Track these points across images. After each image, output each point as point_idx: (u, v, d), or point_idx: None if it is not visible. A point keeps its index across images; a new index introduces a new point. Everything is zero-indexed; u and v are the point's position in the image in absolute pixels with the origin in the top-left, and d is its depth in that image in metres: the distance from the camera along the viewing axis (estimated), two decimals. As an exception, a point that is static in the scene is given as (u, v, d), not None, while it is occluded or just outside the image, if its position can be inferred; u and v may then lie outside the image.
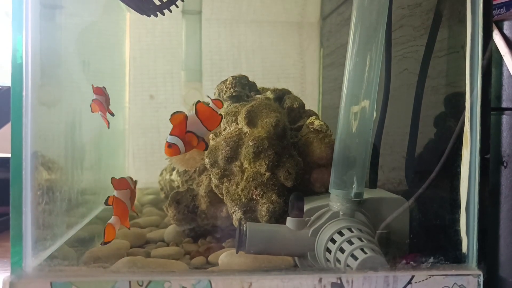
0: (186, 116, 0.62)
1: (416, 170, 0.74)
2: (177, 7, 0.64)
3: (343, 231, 0.58)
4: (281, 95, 0.84)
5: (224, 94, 0.79)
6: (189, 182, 0.86)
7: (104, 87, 0.69)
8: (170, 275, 0.53)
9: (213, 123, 0.64)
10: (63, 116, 0.75)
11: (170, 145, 0.61)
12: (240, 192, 0.69)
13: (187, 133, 0.61)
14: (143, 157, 1.26)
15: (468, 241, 0.60)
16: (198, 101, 0.64)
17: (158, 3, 0.62)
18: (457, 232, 0.62)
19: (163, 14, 0.63)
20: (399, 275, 0.55)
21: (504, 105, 0.61)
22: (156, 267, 0.64)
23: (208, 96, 0.67)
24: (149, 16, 0.62)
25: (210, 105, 0.64)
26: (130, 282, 0.52)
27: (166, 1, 0.62)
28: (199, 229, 0.81)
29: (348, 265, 0.55)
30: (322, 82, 1.32)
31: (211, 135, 0.76)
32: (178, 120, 0.61)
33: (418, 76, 0.73)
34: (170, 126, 0.81)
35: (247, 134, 0.71)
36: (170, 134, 0.61)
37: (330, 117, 1.20)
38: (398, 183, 0.79)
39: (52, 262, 0.58)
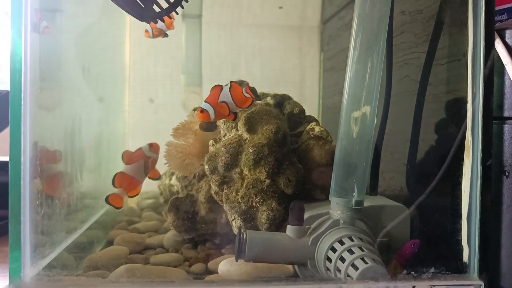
0: (221, 88, 0.68)
1: (417, 177, 0.74)
2: (177, 13, 0.63)
3: (344, 240, 0.58)
4: (281, 100, 0.83)
5: (224, 99, 0.79)
6: (189, 187, 0.86)
7: None
8: (169, 285, 0.52)
9: (242, 102, 0.69)
10: (62, 120, 0.75)
11: (202, 111, 0.68)
12: (240, 199, 0.69)
13: (220, 103, 0.68)
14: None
15: (469, 251, 0.60)
16: (232, 82, 0.70)
17: (157, 10, 0.62)
18: (459, 241, 0.61)
19: (162, 21, 0.62)
20: (400, 285, 0.55)
21: (506, 114, 0.61)
22: (156, 276, 0.63)
23: (247, 86, 0.71)
24: (148, 23, 0.61)
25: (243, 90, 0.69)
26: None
27: (165, 8, 0.61)
28: (198, 236, 0.80)
29: (348, 275, 0.55)
30: (322, 86, 1.32)
31: (210, 141, 0.76)
32: (214, 91, 0.69)
33: (419, 83, 0.73)
34: (170, 128, 0.81)
35: (247, 141, 0.70)
36: (205, 101, 0.68)
37: (330, 121, 1.20)
38: (399, 190, 0.79)
39: (51, 272, 0.57)
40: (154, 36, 0.84)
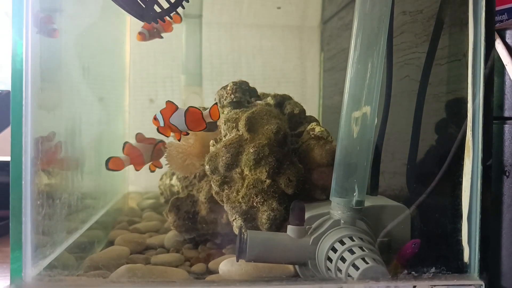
0: (176, 108, 0.69)
1: (418, 177, 0.74)
2: (178, 14, 0.63)
3: (344, 240, 0.58)
4: (282, 100, 0.83)
5: (225, 100, 0.79)
6: (189, 187, 0.86)
7: None
8: (170, 285, 0.52)
9: (195, 126, 0.70)
10: (63, 120, 0.75)
11: (156, 118, 0.70)
12: (240, 199, 0.69)
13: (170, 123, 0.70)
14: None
15: (470, 251, 0.60)
16: (191, 107, 0.70)
17: (158, 10, 0.62)
18: (459, 241, 0.61)
19: (163, 21, 0.62)
20: (401, 285, 0.55)
21: (506, 114, 0.61)
22: (156, 276, 0.64)
23: (216, 103, 0.71)
24: (149, 23, 0.61)
25: (204, 112, 0.70)
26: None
27: (166, 8, 0.62)
28: (198, 236, 0.80)
29: (349, 275, 0.55)
30: (323, 86, 1.32)
31: (211, 141, 0.76)
32: (169, 107, 0.69)
33: (420, 83, 0.73)
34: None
35: (247, 141, 0.70)
36: (160, 111, 0.70)
37: (330, 121, 1.20)
38: (399, 190, 0.79)
39: (52, 272, 0.57)
40: (149, 37, 0.84)
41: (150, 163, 0.80)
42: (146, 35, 0.83)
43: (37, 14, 0.58)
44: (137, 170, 0.78)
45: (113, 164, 0.75)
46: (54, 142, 0.67)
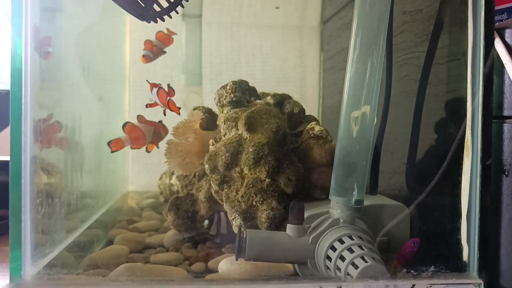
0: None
1: (417, 176, 0.74)
2: (177, 13, 0.63)
3: (344, 238, 0.58)
4: (282, 100, 0.83)
5: (224, 99, 0.79)
6: (189, 187, 0.86)
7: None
8: (169, 284, 0.53)
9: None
10: (62, 119, 0.75)
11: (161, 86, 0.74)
12: (240, 199, 0.69)
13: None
14: (143, 161, 1.26)
15: (469, 250, 0.60)
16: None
17: (158, 9, 0.62)
18: (458, 240, 0.62)
19: (163, 20, 0.62)
20: (400, 284, 0.55)
21: (505, 113, 0.61)
22: (156, 275, 0.64)
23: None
24: (149, 22, 0.61)
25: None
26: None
27: (166, 8, 0.62)
28: (198, 235, 0.80)
29: (348, 274, 0.55)
30: (323, 86, 1.32)
31: (210, 141, 0.76)
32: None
33: (419, 82, 0.73)
34: (170, 128, 0.82)
35: (247, 140, 0.70)
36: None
37: (330, 121, 1.20)
38: (398, 189, 0.79)
39: (51, 270, 0.57)
40: (154, 57, 0.85)
41: (149, 143, 0.81)
42: (151, 56, 0.84)
43: (37, 29, 0.58)
44: (137, 148, 0.78)
45: (114, 145, 0.76)
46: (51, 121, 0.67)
